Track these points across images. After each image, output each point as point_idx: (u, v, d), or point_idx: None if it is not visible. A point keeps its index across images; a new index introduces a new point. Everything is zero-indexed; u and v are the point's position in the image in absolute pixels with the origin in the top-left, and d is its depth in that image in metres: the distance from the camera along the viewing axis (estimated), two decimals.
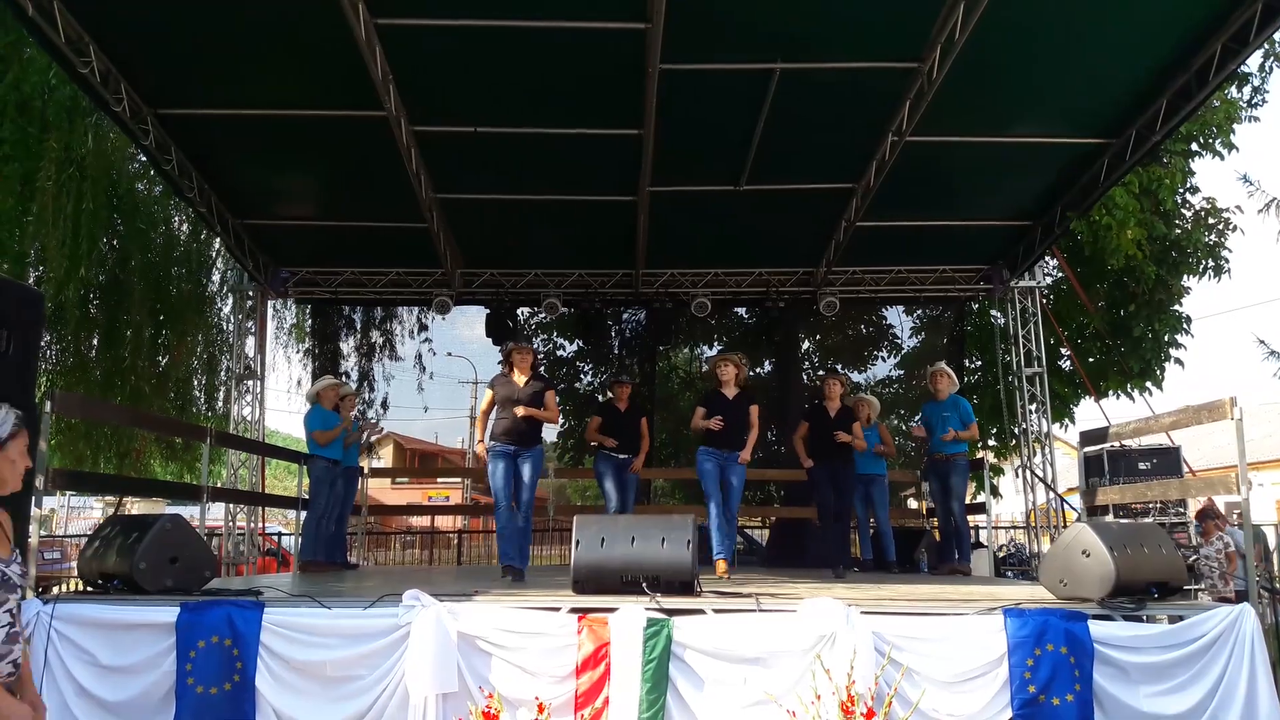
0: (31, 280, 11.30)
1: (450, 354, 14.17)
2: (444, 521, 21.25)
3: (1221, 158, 13.00)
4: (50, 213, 10.84)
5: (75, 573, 7.47)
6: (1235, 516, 12.83)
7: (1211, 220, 13.26)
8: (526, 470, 7.29)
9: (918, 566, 9.63)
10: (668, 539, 5.45)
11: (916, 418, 9.62)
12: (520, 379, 7.39)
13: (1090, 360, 13.79)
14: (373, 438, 10.37)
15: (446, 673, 4.74)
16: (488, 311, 11.97)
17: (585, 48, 7.47)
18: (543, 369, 14.09)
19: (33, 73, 10.80)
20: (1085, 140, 9.05)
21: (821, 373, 12.79)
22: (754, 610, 5.09)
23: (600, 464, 8.80)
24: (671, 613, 4.90)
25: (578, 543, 5.53)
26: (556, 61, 7.67)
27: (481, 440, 7.53)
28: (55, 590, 6.37)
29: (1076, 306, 13.40)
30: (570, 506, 16.78)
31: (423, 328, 13.62)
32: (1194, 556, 10.09)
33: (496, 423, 7.34)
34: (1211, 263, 13.16)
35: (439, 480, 32.92)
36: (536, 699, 4.60)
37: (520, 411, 7.18)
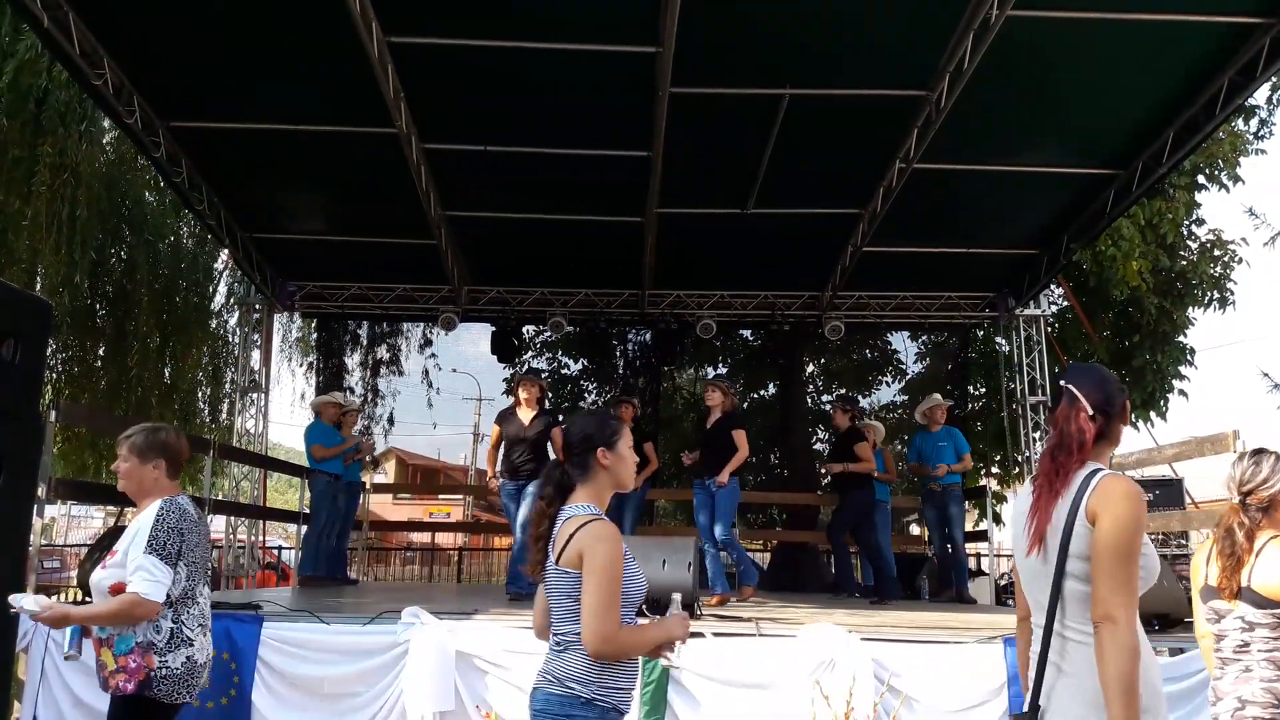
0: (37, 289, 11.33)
1: (455, 370, 14.21)
2: (444, 538, 21.22)
3: (1227, 190, 13.05)
4: (45, 218, 10.88)
5: (75, 583, 7.47)
6: None
7: (1217, 253, 13.29)
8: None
9: (919, 593, 9.60)
10: (669, 561, 5.45)
11: (902, 443, 9.66)
12: (526, 415, 7.52)
13: None
14: (368, 457, 10.35)
15: (444, 691, 4.73)
16: (493, 329, 11.98)
17: (596, 70, 7.51)
18: (548, 389, 14.17)
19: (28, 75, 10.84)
20: (1092, 171, 9.06)
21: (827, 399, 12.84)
22: (754, 635, 5.08)
23: None
24: None
25: None
26: (567, 83, 7.71)
27: (494, 476, 7.64)
28: (54, 600, 6.35)
29: (1081, 336, 13.40)
30: None
31: (427, 344, 13.65)
32: None
33: (504, 460, 7.51)
34: (1216, 295, 13.18)
35: (440, 496, 32.89)
36: None
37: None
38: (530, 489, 7.37)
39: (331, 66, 7.55)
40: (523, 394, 7.64)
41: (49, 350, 9.94)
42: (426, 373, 13.77)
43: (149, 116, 8.13)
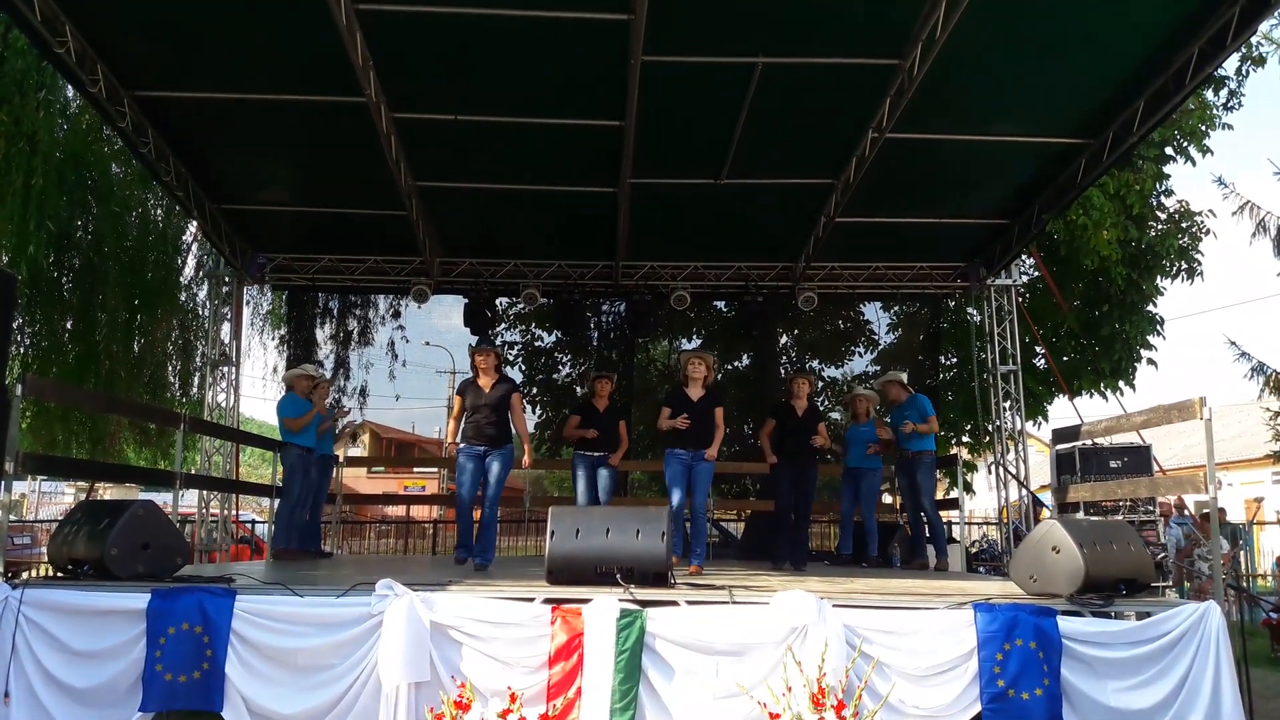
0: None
1: (428, 343, 14.10)
2: (419, 511, 21.21)
3: (1194, 163, 13.14)
4: None
5: (45, 558, 7.40)
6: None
7: (1185, 224, 13.40)
8: (495, 467, 7.45)
9: (890, 561, 9.69)
10: (642, 530, 5.47)
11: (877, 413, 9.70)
12: (485, 382, 7.54)
13: (1064, 359, 13.92)
14: (346, 425, 10.29)
15: (419, 662, 4.74)
16: (466, 301, 11.90)
17: (567, 38, 7.44)
18: (520, 361, 14.13)
19: None
20: (1063, 140, 9.09)
21: (792, 370, 12.88)
22: (727, 602, 5.11)
23: (576, 463, 8.85)
24: (645, 604, 4.92)
25: (553, 533, 5.54)
26: (538, 52, 7.64)
27: (452, 442, 7.66)
28: (25, 576, 6.31)
29: (1051, 305, 13.51)
30: (546, 498, 16.77)
31: (398, 316, 13.56)
32: (1161, 554, 10.22)
33: (466, 425, 7.57)
34: (1184, 265, 13.31)
35: (415, 470, 32.77)
36: (509, 689, 4.61)
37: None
38: (492, 460, 7.42)
39: (300, 35, 7.44)
40: (480, 364, 7.67)
41: (15, 323, 9.80)
42: (396, 345, 13.70)
43: (113, 85, 7.99)
